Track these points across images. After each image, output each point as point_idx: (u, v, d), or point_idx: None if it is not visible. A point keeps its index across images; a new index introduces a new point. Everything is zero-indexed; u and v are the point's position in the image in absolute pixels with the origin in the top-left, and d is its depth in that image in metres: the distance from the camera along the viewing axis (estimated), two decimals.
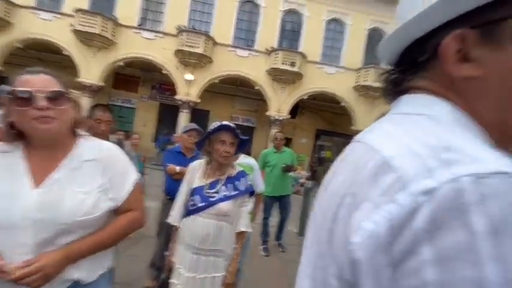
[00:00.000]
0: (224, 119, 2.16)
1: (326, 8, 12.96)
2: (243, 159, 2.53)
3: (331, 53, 13.24)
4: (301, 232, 4.34)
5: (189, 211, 1.49)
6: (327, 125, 15.16)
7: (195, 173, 1.57)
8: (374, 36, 13.18)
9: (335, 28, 13.24)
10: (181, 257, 1.47)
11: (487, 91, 0.32)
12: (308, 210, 4.36)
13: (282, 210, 3.88)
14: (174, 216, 1.54)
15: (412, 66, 0.37)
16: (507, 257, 0.21)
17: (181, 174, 1.89)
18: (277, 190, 3.68)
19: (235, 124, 1.61)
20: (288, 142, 14.07)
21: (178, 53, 11.75)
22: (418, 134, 0.29)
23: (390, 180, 0.26)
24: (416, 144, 0.27)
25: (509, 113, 0.32)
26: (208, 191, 1.48)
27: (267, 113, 12.73)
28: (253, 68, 12.40)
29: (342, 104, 13.10)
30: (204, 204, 1.45)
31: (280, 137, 3.85)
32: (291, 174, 4.04)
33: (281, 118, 12.57)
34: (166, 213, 1.77)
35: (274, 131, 11.49)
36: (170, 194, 2.38)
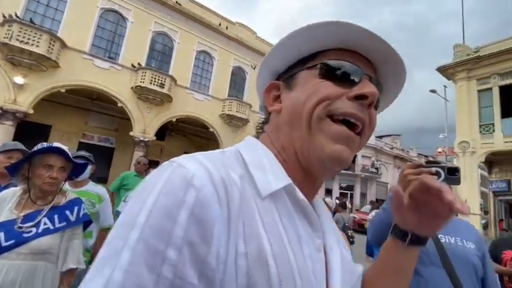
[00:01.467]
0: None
1: (196, 39, 13.75)
2: (91, 187, 2.22)
3: (200, 81, 14.00)
4: None
5: None
6: (196, 149, 15.45)
7: (4, 205, 1.26)
8: (237, 73, 15.17)
9: (204, 59, 14.21)
10: None
11: (283, 121, 0.44)
12: None
13: None
14: None
15: (264, 111, 0.51)
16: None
17: None
18: None
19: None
20: (155, 165, 13.21)
21: (3, 47, 8.88)
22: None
23: None
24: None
25: (292, 134, 0.42)
26: (21, 225, 1.22)
27: (131, 133, 11.57)
28: (115, 82, 11.12)
29: (211, 129, 13.87)
30: (10, 242, 1.17)
31: (144, 161, 3.63)
32: None
33: (146, 139, 11.73)
34: None
35: (139, 153, 10.53)
36: None
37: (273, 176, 0.38)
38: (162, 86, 11.63)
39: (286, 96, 0.45)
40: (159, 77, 11.66)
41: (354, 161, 22.60)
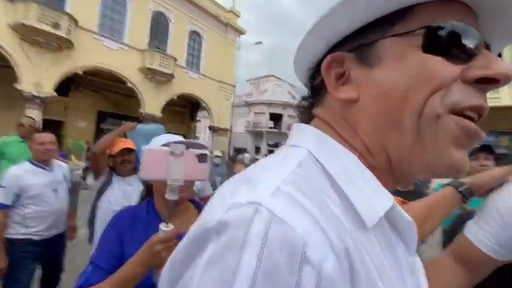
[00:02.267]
0: None
1: None
2: None
3: (112, 25, 11.71)
4: (90, 239, 3.55)
5: None
6: (112, 107, 13.58)
7: None
8: (158, 20, 13.20)
9: None
10: None
11: (365, 116, 0.31)
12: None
13: None
14: None
15: (312, 90, 0.36)
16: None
17: None
18: None
19: None
20: (59, 126, 11.21)
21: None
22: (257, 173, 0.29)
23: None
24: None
25: (385, 136, 0.30)
26: None
27: (17, 86, 9.17)
28: None
29: (129, 84, 12.19)
30: None
31: (29, 123, 2.88)
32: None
33: (43, 95, 9.54)
34: None
35: (33, 112, 8.55)
36: None
37: (373, 193, 0.29)
38: (56, 26, 9.23)
39: (365, 77, 0.31)
40: (50, 14, 9.15)
41: (281, 120, 24.05)
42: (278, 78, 29.73)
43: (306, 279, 0.20)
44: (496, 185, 0.71)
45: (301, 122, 0.37)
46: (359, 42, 0.31)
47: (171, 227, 0.72)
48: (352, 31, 0.31)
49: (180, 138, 0.94)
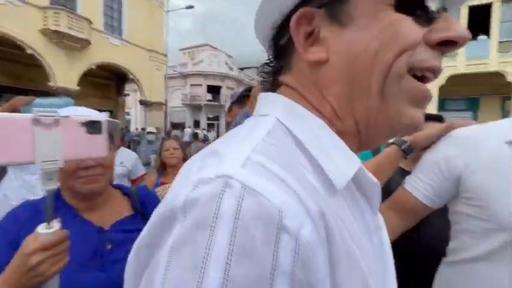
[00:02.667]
0: None
1: None
2: None
3: None
4: None
5: None
6: (11, 80, 10.99)
7: None
8: None
9: None
10: None
11: (334, 77, 0.30)
12: None
13: None
14: None
15: (277, 52, 0.34)
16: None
17: None
18: None
19: None
20: None
21: None
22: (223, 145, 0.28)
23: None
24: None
25: (353, 99, 0.30)
26: None
27: None
28: None
29: (28, 51, 9.91)
30: None
31: None
32: None
33: None
34: None
35: None
36: None
37: (341, 158, 0.29)
38: None
39: (335, 37, 0.29)
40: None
41: (219, 92, 23.45)
42: (214, 48, 28.39)
43: (284, 248, 0.19)
44: (433, 141, 0.78)
45: (266, 90, 0.36)
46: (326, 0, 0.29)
47: (54, 228, 0.53)
48: None
49: (99, 114, 0.73)
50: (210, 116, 23.91)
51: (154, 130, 4.80)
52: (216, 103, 23.11)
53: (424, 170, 0.76)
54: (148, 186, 2.01)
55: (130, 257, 0.26)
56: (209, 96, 24.26)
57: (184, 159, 2.12)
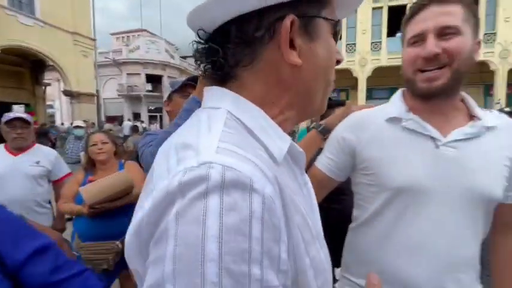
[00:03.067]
0: None
1: None
2: None
3: None
4: None
5: None
6: None
7: None
8: None
9: None
10: None
11: (303, 79, 0.39)
12: None
13: None
14: None
15: (241, 48, 0.37)
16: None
17: None
18: None
19: None
20: None
21: None
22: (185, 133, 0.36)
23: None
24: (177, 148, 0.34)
25: (308, 96, 0.41)
26: None
27: None
28: None
29: None
30: None
31: None
32: None
33: None
34: None
35: None
36: None
37: (277, 137, 0.38)
38: None
39: (307, 48, 0.38)
40: None
41: (160, 82, 22.01)
42: (152, 34, 26.33)
43: (255, 202, 0.28)
44: (338, 122, 0.91)
45: (213, 81, 0.41)
46: (304, 13, 0.36)
47: None
48: None
49: None
50: (152, 107, 22.30)
51: (82, 124, 4.25)
52: (157, 93, 21.57)
53: (328, 147, 0.88)
54: (73, 185, 1.79)
55: (130, 238, 0.32)
56: (149, 87, 22.55)
57: (118, 154, 1.94)
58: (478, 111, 0.73)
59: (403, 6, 14.32)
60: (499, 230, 0.76)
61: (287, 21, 0.35)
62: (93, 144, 1.81)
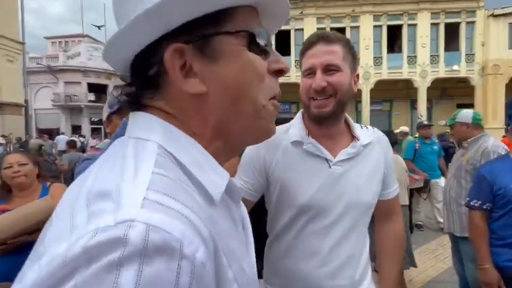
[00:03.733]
0: None
1: None
2: None
3: None
4: None
5: None
6: None
7: None
8: None
9: None
10: None
11: (211, 106, 0.35)
12: None
13: None
14: None
15: (146, 80, 0.35)
16: None
17: None
18: None
19: None
20: None
21: None
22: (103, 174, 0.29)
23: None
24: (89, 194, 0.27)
25: (231, 122, 0.36)
26: None
27: None
28: None
29: None
30: None
31: None
32: None
33: None
34: None
35: None
36: None
37: (215, 173, 0.35)
38: None
39: (209, 71, 0.34)
40: None
41: (105, 91, 20.35)
42: (95, 40, 24.42)
43: (183, 272, 0.23)
44: None
45: (131, 108, 0.38)
46: (197, 35, 0.33)
47: None
48: (185, 22, 0.33)
49: None
50: (94, 119, 20.34)
51: (1, 141, 3.59)
52: (101, 104, 19.83)
53: (243, 170, 0.91)
54: None
55: None
56: (92, 96, 20.64)
57: (42, 176, 1.68)
58: (357, 131, 0.88)
59: (288, 31, 16.96)
60: (378, 220, 0.99)
61: (167, 54, 0.32)
62: (8, 167, 1.54)
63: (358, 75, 0.86)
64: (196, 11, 0.32)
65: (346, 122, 0.91)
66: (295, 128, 0.88)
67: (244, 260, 0.35)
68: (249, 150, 0.90)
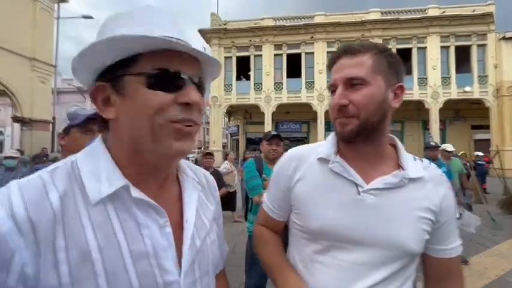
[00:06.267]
0: None
1: None
2: None
3: None
4: None
5: None
6: None
7: None
8: None
9: None
10: None
11: (123, 129, 0.47)
12: None
13: None
14: None
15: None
16: None
17: None
18: None
19: None
20: None
21: None
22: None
23: None
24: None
25: (138, 142, 0.46)
26: None
27: None
28: None
29: None
30: None
31: None
32: None
33: None
34: None
35: None
36: None
37: (107, 181, 0.45)
38: None
39: (120, 103, 0.46)
40: None
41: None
42: None
43: None
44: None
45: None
46: (113, 76, 0.45)
47: None
48: (108, 66, 0.46)
49: None
50: None
51: (14, 154, 3.93)
52: None
53: (270, 185, 0.85)
54: None
55: None
56: None
57: None
58: (405, 160, 0.72)
59: (248, 57, 18.40)
60: (429, 279, 0.76)
61: (93, 89, 0.47)
62: None
63: (401, 87, 0.70)
64: (109, 59, 0.44)
65: (395, 147, 0.76)
66: (326, 145, 0.76)
67: (114, 253, 0.42)
68: (279, 163, 0.83)
